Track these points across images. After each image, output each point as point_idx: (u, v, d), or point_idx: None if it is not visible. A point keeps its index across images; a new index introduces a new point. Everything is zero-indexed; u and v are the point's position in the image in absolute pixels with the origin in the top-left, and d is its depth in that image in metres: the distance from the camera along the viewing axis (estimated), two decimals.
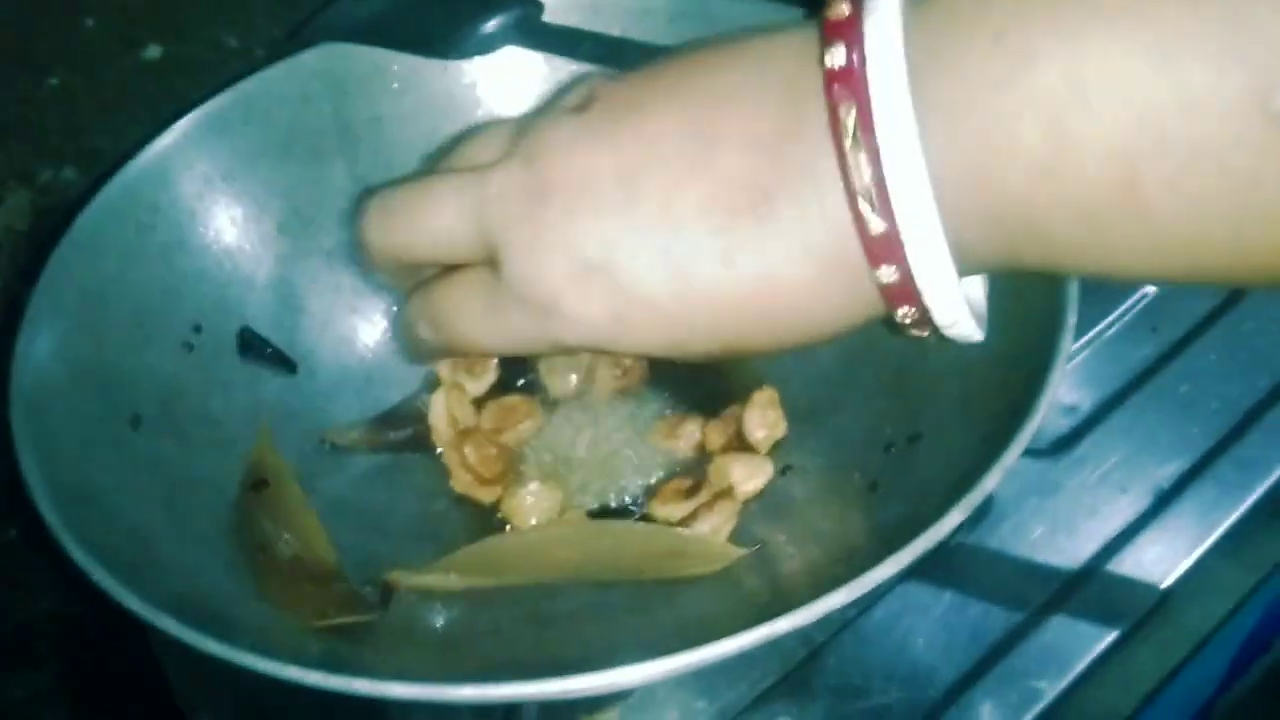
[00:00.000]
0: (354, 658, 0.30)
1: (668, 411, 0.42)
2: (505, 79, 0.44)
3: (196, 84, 0.46)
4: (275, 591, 0.32)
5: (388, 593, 0.33)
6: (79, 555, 0.27)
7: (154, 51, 0.46)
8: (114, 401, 0.35)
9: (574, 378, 0.43)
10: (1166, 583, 0.39)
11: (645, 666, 0.24)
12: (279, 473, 0.36)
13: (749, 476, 0.38)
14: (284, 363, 0.40)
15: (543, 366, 0.43)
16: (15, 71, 0.43)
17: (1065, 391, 0.45)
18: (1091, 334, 0.47)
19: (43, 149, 0.45)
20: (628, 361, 0.43)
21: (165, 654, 0.44)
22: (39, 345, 0.33)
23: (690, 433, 0.40)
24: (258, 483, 0.36)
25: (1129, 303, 0.48)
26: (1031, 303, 0.32)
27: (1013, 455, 0.27)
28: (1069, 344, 0.30)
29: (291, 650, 0.29)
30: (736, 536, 0.37)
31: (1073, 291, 0.31)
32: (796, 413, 0.40)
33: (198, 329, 0.38)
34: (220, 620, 0.28)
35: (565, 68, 0.44)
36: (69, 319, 0.35)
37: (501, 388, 0.43)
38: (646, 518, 0.38)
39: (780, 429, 0.39)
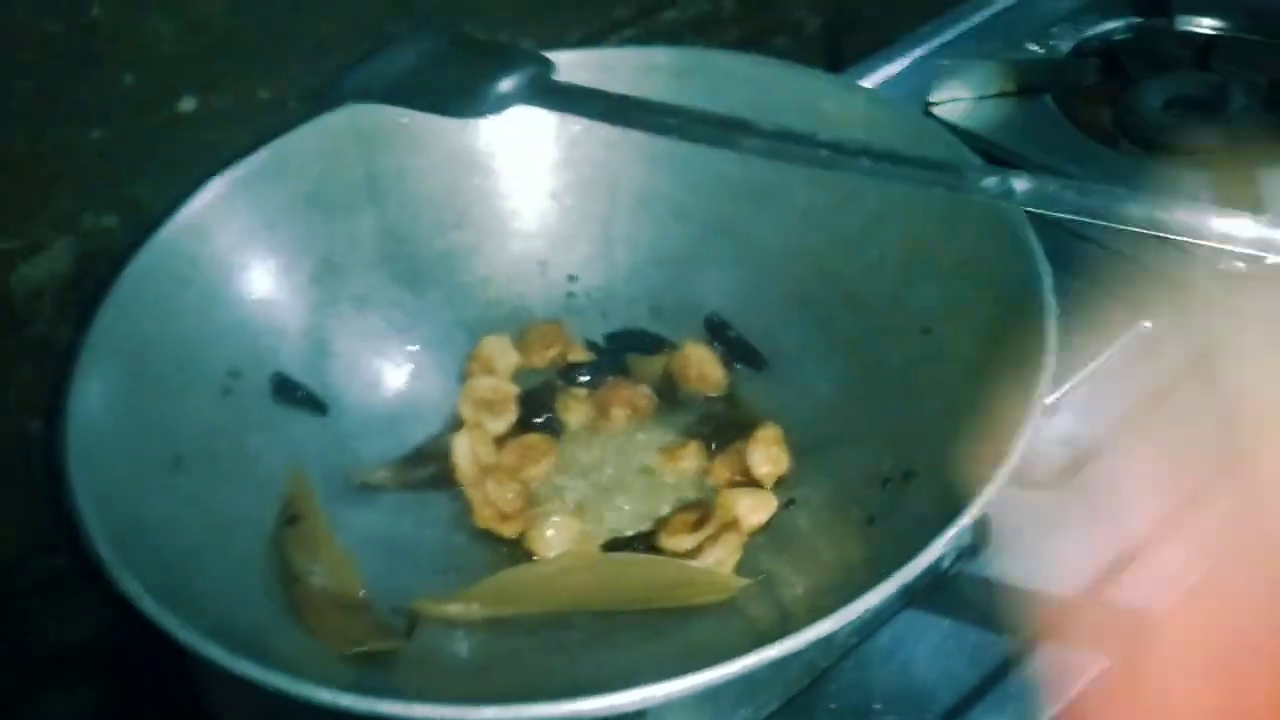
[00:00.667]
0: (382, 683, 0.32)
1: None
2: (519, 134, 0.47)
3: (230, 135, 0.49)
4: (308, 620, 0.34)
5: (413, 622, 0.35)
6: (131, 587, 0.29)
7: (189, 104, 0.48)
8: (158, 443, 0.37)
9: (589, 414, 0.45)
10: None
11: (654, 689, 0.27)
12: (310, 508, 0.38)
13: (754, 509, 0.40)
14: (315, 405, 0.43)
15: (559, 405, 0.45)
16: (60, 124, 0.45)
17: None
18: (1091, 367, 0.48)
19: (85, 198, 0.47)
20: (639, 400, 0.45)
21: (204, 681, 0.46)
22: (89, 394, 0.35)
23: (691, 454, 0.42)
24: (291, 518, 0.38)
25: (1129, 336, 0.50)
26: (1014, 345, 0.34)
27: (992, 491, 0.29)
28: (1047, 386, 0.32)
29: (323, 675, 0.30)
30: (742, 566, 0.39)
31: (1051, 335, 0.33)
32: (800, 449, 0.42)
33: (235, 374, 0.41)
34: (256, 647, 0.30)
35: (576, 122, 0.47)
36: (116, 369, 0.37)
37: (521, 426, 0.45)
38: (656, 548, 0.40)
39: (784, 464, 0.41)
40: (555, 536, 0.40)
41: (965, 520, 0.29)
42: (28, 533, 0.52)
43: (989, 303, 0.37)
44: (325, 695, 0.26)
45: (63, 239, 0.47)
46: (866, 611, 0.28)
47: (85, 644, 0.57)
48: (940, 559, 0.42)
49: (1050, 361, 0.32)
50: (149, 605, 0.29)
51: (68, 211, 0.47)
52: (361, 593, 0.36)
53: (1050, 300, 0.34)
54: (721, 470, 0.42)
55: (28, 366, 0.48)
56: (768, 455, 0.41)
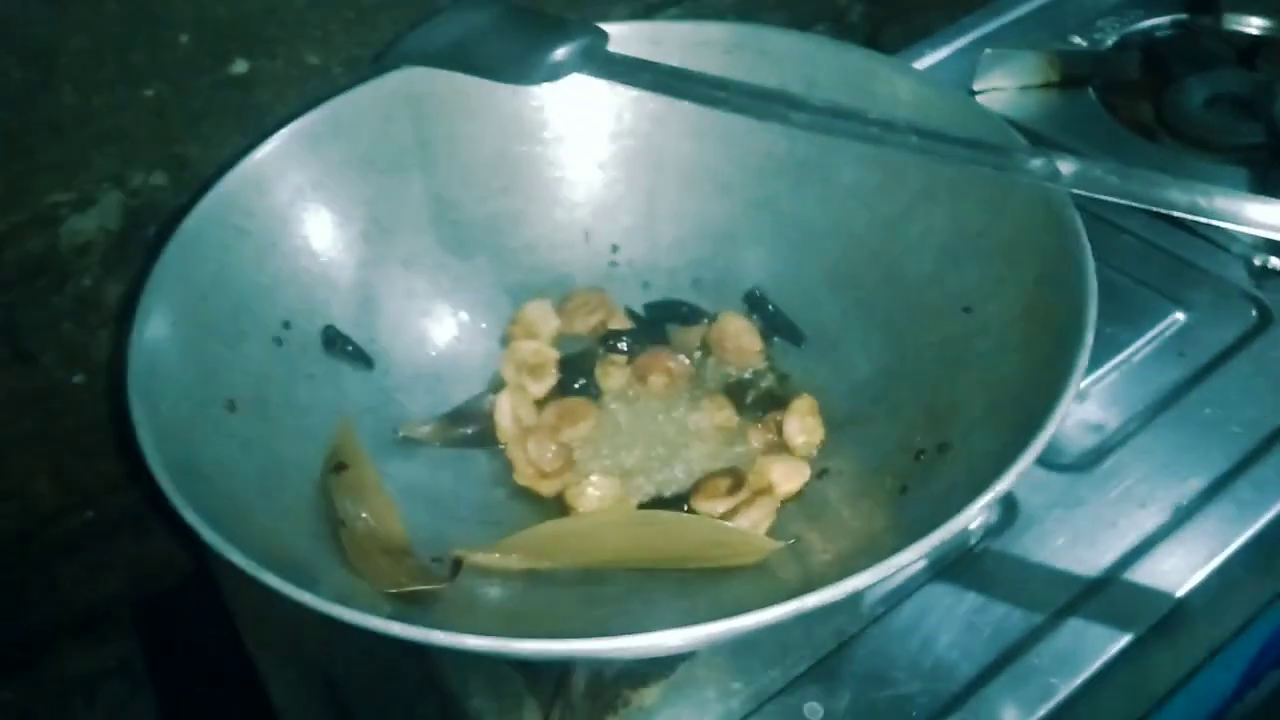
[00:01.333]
0: (422, 621, 0.33)
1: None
2: (571, 103, 0.48)
3: (279, 98, 0.50)
4: (354, 561, 0.35)
5: (456, 566, 0.36)
6: (191, 516, 0.30)
7: (241, 67, 0.49)
8: (213, 387, 0.38)
9: (627, 381, 0.46)
10: (1180, 594, 0.41)
11: (689, 631, 0.27)
12: (357, 458, 0.39)
13: (787, 477, 0.41)
14: (362, 359, 0.44)
15: (598, 371, 0.46)
16: (114, 83, 0.46)
17: (1093, 410, 0.47)
18: (1121, 357, 0.49)
19: (135, 155, 0.48)
20: (677, 369, 0.46)
21: (245, 625, 0.47)
22: (150, 335, 0.37)
23: (727, 422, 0.44)
24: (339, 465, 0.39)
25: (1159, 328, 0.50)
26: (1053, 325, 0.35)
27: (1027, 461, 0.30)
28: (1084, 364, 0.32)
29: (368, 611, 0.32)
30: (773, 532, 0.39)
31: (1091, 315, 0.34)
32: (834, 421, 0.43)
33: (287, 325, 0.42)
34: (306, 581, 0.31)
35: (626, 94, 0.47)
36: (175, 313, 0.38)
37: (561, 390, 0.46)
38: (690, 511, 0.41)
39: (818, 435, 0.42)
40: (593, 495, 0.41)
41: (997, 491, 0.30)
42: (62, 488, 0.54)
43: (1030, 283, 0.38)
44: (375, 623, 0.27)
45: (111, 195, 0.48)
46: (894, 574, 0.29)
47: (112, 599, 0.59)
48: (968, 535, 0.43)
49: (1089, 340, 0.33)
50: (209, 534, 0.30)
51: (117, 168, 0.48)
52: (404, 539, 0.37)
53: (1092, 281, 0.34)
54: (757, 439, 0.43)
55: (72, 320, 0.50)
56: (803, 426, 0.42)
